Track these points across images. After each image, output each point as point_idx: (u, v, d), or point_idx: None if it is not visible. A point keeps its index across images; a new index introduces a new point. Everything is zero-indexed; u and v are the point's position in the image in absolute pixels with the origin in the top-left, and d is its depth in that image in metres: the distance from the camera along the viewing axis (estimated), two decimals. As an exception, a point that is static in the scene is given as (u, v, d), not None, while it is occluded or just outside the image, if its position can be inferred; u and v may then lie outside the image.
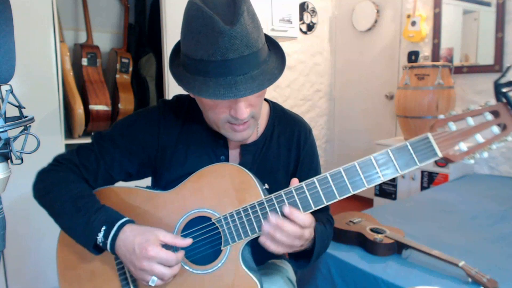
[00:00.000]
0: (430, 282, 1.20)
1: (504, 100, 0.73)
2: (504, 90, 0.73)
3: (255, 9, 0.76)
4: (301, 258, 0.88)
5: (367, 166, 0.74)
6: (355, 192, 0.75)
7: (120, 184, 0.94)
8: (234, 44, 0.69)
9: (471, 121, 0.74)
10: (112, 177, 0.91)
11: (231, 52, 0.70)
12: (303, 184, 0.77)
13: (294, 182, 0.78)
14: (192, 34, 0.73)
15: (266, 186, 0.85)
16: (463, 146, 0.73)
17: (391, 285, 1.22)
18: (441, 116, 0.76)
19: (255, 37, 0.72)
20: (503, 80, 0.73)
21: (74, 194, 0.82)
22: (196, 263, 0.82)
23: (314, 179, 0.76)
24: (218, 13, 0.71)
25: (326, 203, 0.76)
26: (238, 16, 0.70)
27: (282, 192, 0.77)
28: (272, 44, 0.84)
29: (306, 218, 0.75)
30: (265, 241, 0.75)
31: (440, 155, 0.73)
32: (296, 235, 0.74)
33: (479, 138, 0.73)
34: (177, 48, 0.84)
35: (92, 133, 0.95)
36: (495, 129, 0.73)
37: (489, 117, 0.74)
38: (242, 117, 0.77)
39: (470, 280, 1.18)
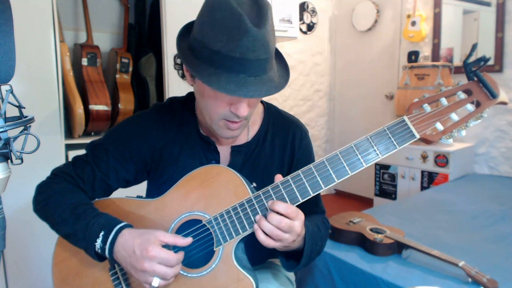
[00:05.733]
0: (430, 282, 1.20)
1: (475, 78, 0.74)
2: (473, 68, 0.74)
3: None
4: (292, 258, 0.88)
5: (349, 154, 0.76)
6: (340, 181, 0.76)
7: (111, 195, 0.94)
8: (255, 46, 0.70)
9: (445, 101, 0.76)
10: (109, 186, 0.91)
11: (251, 52, 0.70)
12: (289, 178, 0.78)
13: (278, 178, 0.79)
14: (213, 25, 0.73)
15: (254, 184, 0.85)
16: (440, 125, 0.75)
17: (391, 285, 1.22)
18: (416, 100, 0.77)
19: (272, 44, 0.74)
20: (472, 59, 0.75)
21: (72, 203, 0.82)
22: (190, 267, 0.81)
23: (299, 171, 0.78)
24: (245, 11, 0.72)
25: (312, 194, 0.77)
26: (265, 20, 0.71)
27: (269, 187, 0.78)
28: (277, 54, 0.85)
29: (288, 206, 0.75)
30: (257, 232, 0.76)
31: (417, 136, 0.75)
32: (282, 225, 0.74)
33: (455, 116, 0.75)
34: (185, 31, 0.84)
35: (86, 144, 0.94)
36: (470, 107, 0.75)
37: (462, 96, 0.75)
38: (243, 114, 0.78)
39: (470, 280, 1.18)
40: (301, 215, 0.77)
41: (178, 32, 0.84)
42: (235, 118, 0.80)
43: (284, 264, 0.88)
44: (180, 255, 0.76)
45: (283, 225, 0.74)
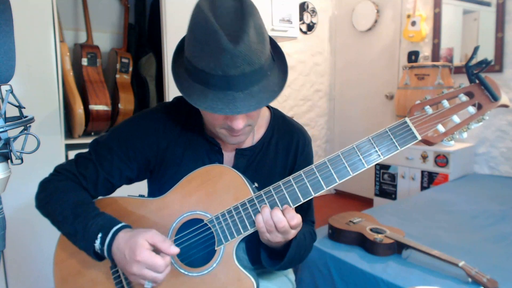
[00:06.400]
0: (430, 282, 1.20)
1: (477, 81, 0.75)
2: (475, 71, 0.74)
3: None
4: (274, 258, 0.88)
5: (351, 155, 0.77)
6: (341, 181, 0.77)
7: (113, 193, 0.93)
8: (236, 62, 0.68)
9: (446, 103, 0.76)
10: (112, 184, 0.90)
11: (232, 69, 0.69)
12: (290, 178, 0.78)
13: None
14: (195, 42, 0.72)
15: (256, 184, 0.85)
16: (441, 127, 0.76)
17: (391, 285, 1.22)
18: (417, 101, 0.78)
19: (259, 53, 0.71)
20: (474, 62, 0.75)
21: (73, 201, 0.82)
22: (191, 266, 0.82)
23: (301, 172, 0.78)
24: (224, 24, 0.69)
25: (314, 195, 0.77)
26: (243, 33, 0.68)
27: (271, 187, 0.78)
28: (277, 54, 0.83)
29: (295, 218, 0.76)
30: (257, 215, 0.77)
31: (419, 137, 0.75)
32: (280, 225, 0.75)
33: (456, 119, 0.75)
34: (181, 45, 0.83)
35: (89, 142, 0.94)
36: (471, 109, 0.75)
37: (464, 98, 0.76)
38: (238, 128, 0.78)
39: (470, 280, 1.18)
40: (299, 228, 0.79)
41: (175, 49, 0.84)
42: (233, 130, 0.80)
43: (264, 260, 0.88)
44: (167, 259, 0.73)
45: (281, 226, 0.75)
